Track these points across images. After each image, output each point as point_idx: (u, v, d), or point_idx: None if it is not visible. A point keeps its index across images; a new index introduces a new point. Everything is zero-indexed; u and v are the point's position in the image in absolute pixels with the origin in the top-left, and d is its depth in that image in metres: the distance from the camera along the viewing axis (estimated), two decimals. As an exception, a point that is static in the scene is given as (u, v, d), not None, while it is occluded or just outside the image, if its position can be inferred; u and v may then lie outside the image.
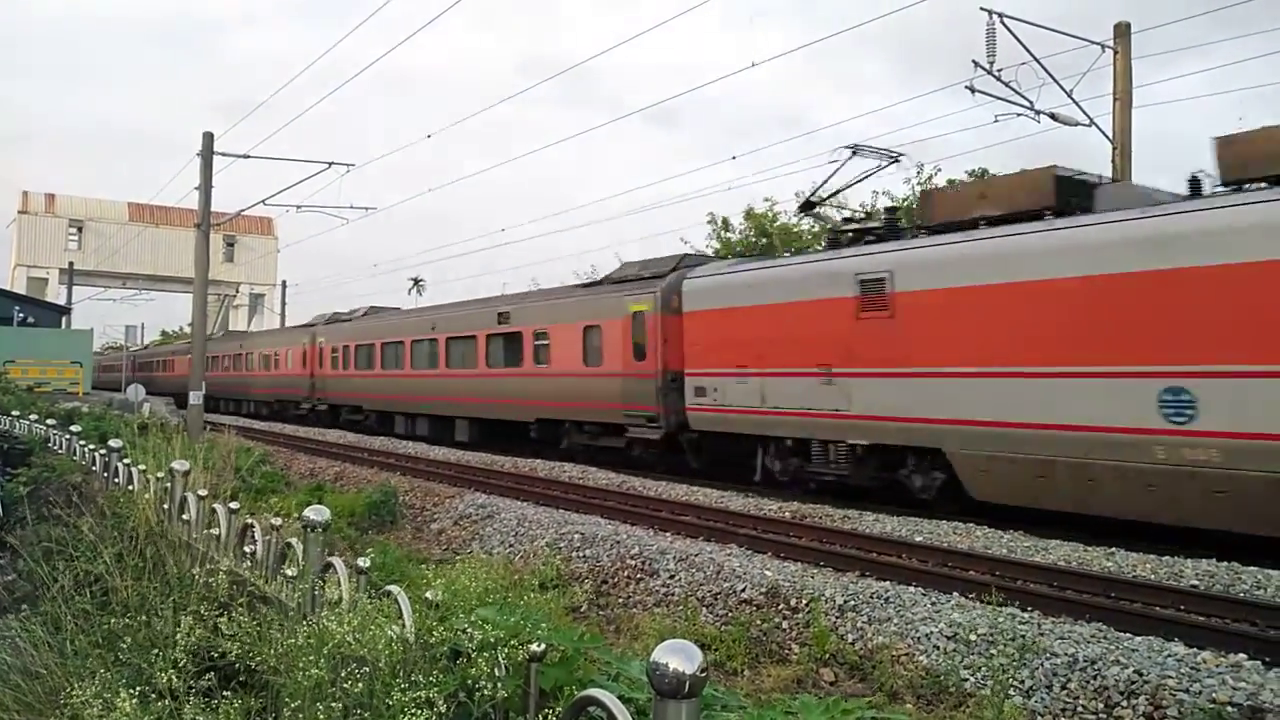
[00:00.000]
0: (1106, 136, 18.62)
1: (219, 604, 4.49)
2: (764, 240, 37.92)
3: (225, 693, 3.37)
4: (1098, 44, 18.56)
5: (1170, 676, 6.81)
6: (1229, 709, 6.29)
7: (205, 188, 26.12)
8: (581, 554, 12.16)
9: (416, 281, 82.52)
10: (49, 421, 15.26)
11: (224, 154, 26.33)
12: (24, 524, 8.76)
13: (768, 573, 10.19)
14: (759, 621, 9.04)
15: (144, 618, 4.72)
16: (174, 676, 3.45)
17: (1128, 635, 7.82)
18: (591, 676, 3.07)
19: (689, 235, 64.40)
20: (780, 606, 9.35)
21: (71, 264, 61.06)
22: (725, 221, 39.88)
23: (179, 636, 3.79)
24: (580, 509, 15.24)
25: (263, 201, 28.01)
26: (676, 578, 10.67)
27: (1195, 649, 7.40)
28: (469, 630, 3.08)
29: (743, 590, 9.84)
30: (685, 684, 2.16)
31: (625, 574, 11.23)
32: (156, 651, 3.80)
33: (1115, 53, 18.40)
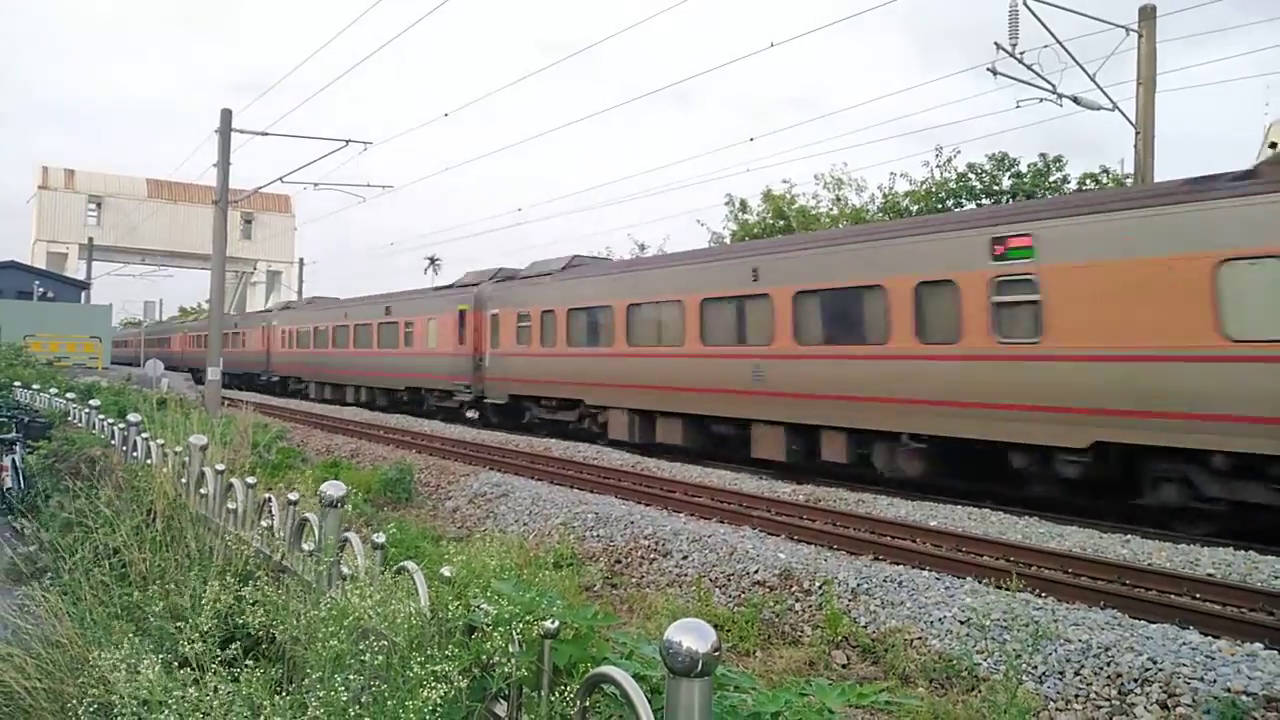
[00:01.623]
0: (1130, 121, 18.42)
1: (240, 576, 4.54)
2: (781, 222, 37.75)
3: (248, 662, 3.40)
4: (1122, 27, 18.33)
5: (1185, 665, 6.79)
6: (1244, 698, 6.27)
7: (223, 164, 26.18)
8: (595, 534, 12.20)
9: (432, 260, 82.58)
10: (69, 395, 15.38)
11: (242, 131, 26.37)
12: (45, 496, 8.85)
13: (781, 555, 10.21)
14: (771, 603, 9.06)
15: (162, 587, 4.78)
16: (200, 644, 3.48)
17: (1142, 622, 7.80)
18: (605, 654, 3.08)
19: (706, 217, 64.31)
20: (793, 588, 9.37)
21: (91, 239, 61.31)
22: (743, 203, 39.73)
23: (206, 603, 3.82)
24: (594, 489, 15.30)
25: (280, 179, 28.23)
26: (689, 558, 10.70)
27: (1211, 637, 7.38)
28: (484, 606, 3.10)
29: (755, 572, 9.86)
30: (699, 663, 2.16)
31: (639, 554, 11.27)
32: (179, 624, 3.83)
33: (1140, 36, 18.17)
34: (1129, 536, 10.98)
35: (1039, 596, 8.69)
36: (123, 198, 69.90)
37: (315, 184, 28.27)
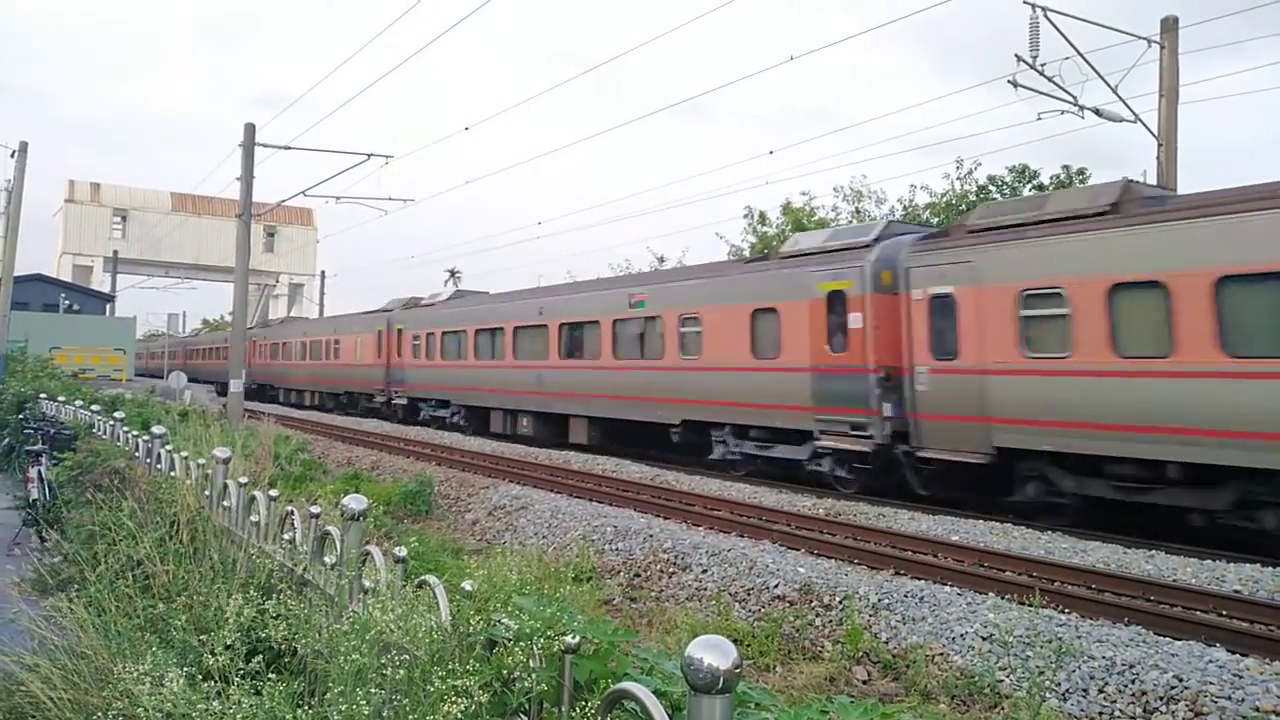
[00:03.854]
0: (1152, 133, 18.31)
1: (263, 588, 4.56)
2: (800, 235, 37.76)
3: (270, 675, 3.42)
4: (1144, 39, 18.24)
5: (1211, 683, 6.71)
6: (1273, 717, 6.19)
7: (246, 178, 26.42)
8: (615, 547, 12.19)
9: (453, 273, 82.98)
10: (93, 407, 15.51)
11: (265, 145, 26.60)
12: (70, 508, 8.93)
13: (801, 569, 10.17)
14: (792, 618, 9.02)
15: (186, 600, 4.81)
16: (224, 657, 3.50)
17: (1168, 640, 7.72)
18: (626, 670, 3.07)
19: (724, 230, 64.33)
20: (813, 603, 9.33)
21: (116, 252, 62.06)
22: (762, 215, 39.75)
23: (229, 616, 3.84)
24: (613, 502, 15.30)
25: (303, 192, 28.38)
26: (709, 572, 10.67)
27: (1238, 655, 7.30)
28: (505, 621, 3.10)
29: (775, 586, 9.82)
30: (720, 679, 2.15)
31: (658, 568, 11.25)
32: (202, 637, 3.86)
33: (1162, 48, 18.07)
34: (1153, 552, 10.86)
35: (1062, 613, 8.61)
36: (147, 211, 70.63)
37: (338, 198, 28.47)
